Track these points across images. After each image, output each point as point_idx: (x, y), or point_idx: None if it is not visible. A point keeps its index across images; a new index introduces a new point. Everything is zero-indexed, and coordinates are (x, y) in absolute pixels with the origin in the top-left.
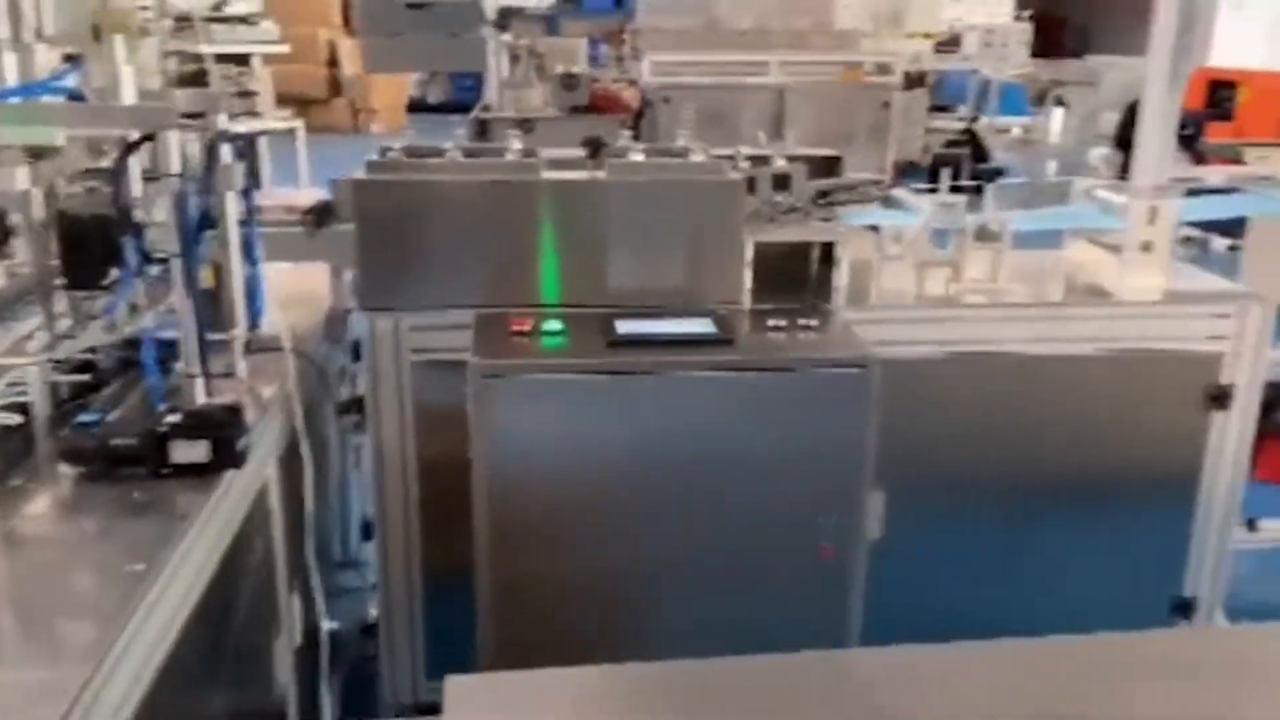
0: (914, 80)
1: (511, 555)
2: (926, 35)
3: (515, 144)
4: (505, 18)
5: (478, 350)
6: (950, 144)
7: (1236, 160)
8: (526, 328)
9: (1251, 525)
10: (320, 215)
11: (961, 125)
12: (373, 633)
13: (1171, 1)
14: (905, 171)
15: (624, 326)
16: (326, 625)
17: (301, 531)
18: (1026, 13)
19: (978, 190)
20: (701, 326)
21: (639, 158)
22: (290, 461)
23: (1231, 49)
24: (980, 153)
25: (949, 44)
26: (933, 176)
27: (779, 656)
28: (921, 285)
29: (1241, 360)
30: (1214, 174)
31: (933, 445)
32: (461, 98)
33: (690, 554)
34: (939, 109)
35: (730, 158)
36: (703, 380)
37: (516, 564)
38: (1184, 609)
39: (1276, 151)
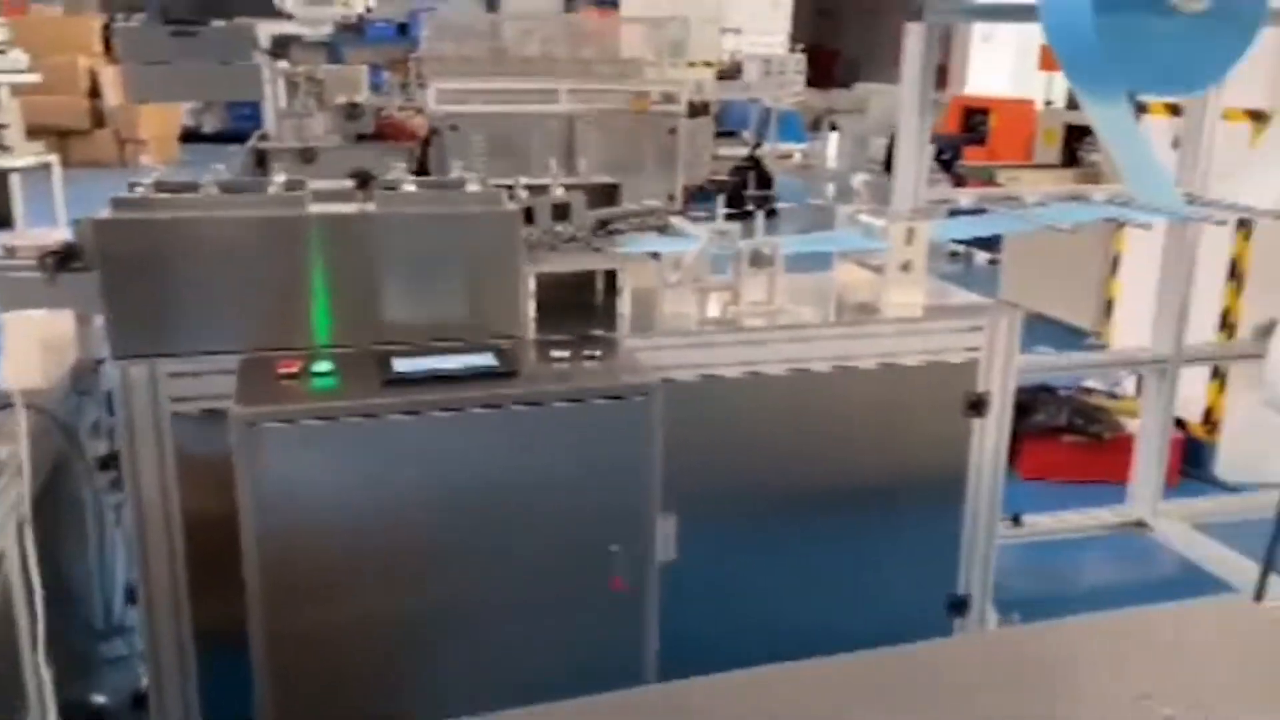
0: (698, 108)
1: (288, 612)
2: (708, 64)
3: (279, 176)
4: (282, 45)
5: (240, 397)
6: (736, 169)
7: (990, 181)
8: (294, 370)
9: (1017, 520)
10: (62, 258)
11: (746, 151)
12: (145, 703)
13: (918, 38)
14: (695, 196)
15: (400, 364)
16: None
17: (53, 601)
18: (800, 44)
19: (768, 213)
20: (482, 360)
21: (411, 189)
22: (35, 527)
23: (985, 78)
24: (764, 177)
25: (730, 73)
26: (726, 200)
27: (575, 702)
28: (703, 309)
29: (994, 368)
30: (965, 195)
31: (720, 465)
32: (239, 126)
33: (480, 597)
34: (724, 135)
35: (508, 188)
36: (485, 416)
37: (294, 621)
38: (959, 606)
39: (1024, 172)
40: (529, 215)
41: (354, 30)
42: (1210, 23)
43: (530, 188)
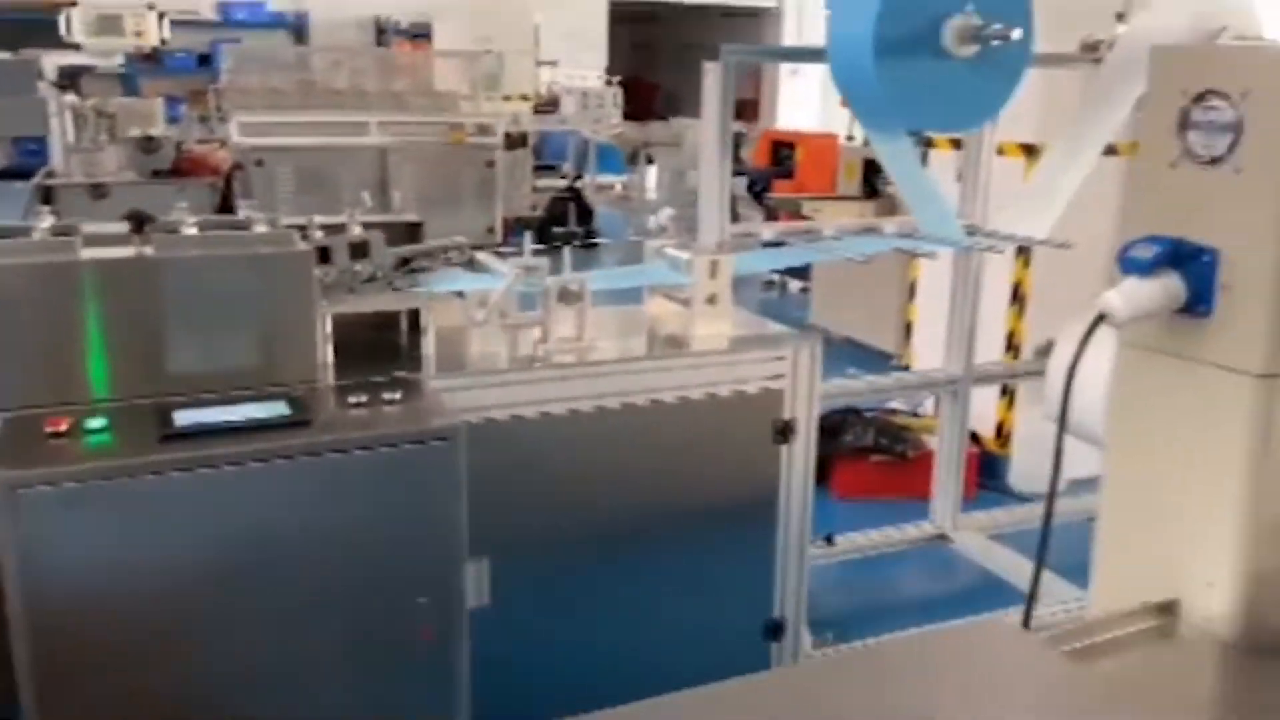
0: (516, 140)
1: (65, 686)
2: (524, 97)
3: (44, 220)
4: (71, 77)
5: (2, 459)
6: (555, 201)
7: (797, 212)
8: (63, 428)
9: (829, 541)
10: None
11: (566, 183)
12: None
13: (716, 77)
14: (516, 228)
15: (184, 417)
16: None
17: None
18: (617, 78)
19: (586, 247)
20: (274, 410)
21: (192, 231)
22: None
23: (794, 112)
24: (584, 209)
25: (548, 106)
26: (541, 235)
27: None
28: (512, 348)
29: (799, 395)
30: (766, 229)
31: (534, 505)
32: (26, 162)
33: (283, 660)
34: (545, 168)
35: (301, 228)
36: (277, 468)
37: (73, 696)
38: (775, 630)
39: (827, 204)
40: (325, 255)
41: (151, 60)
42: (981, 66)
43: (326, 227)
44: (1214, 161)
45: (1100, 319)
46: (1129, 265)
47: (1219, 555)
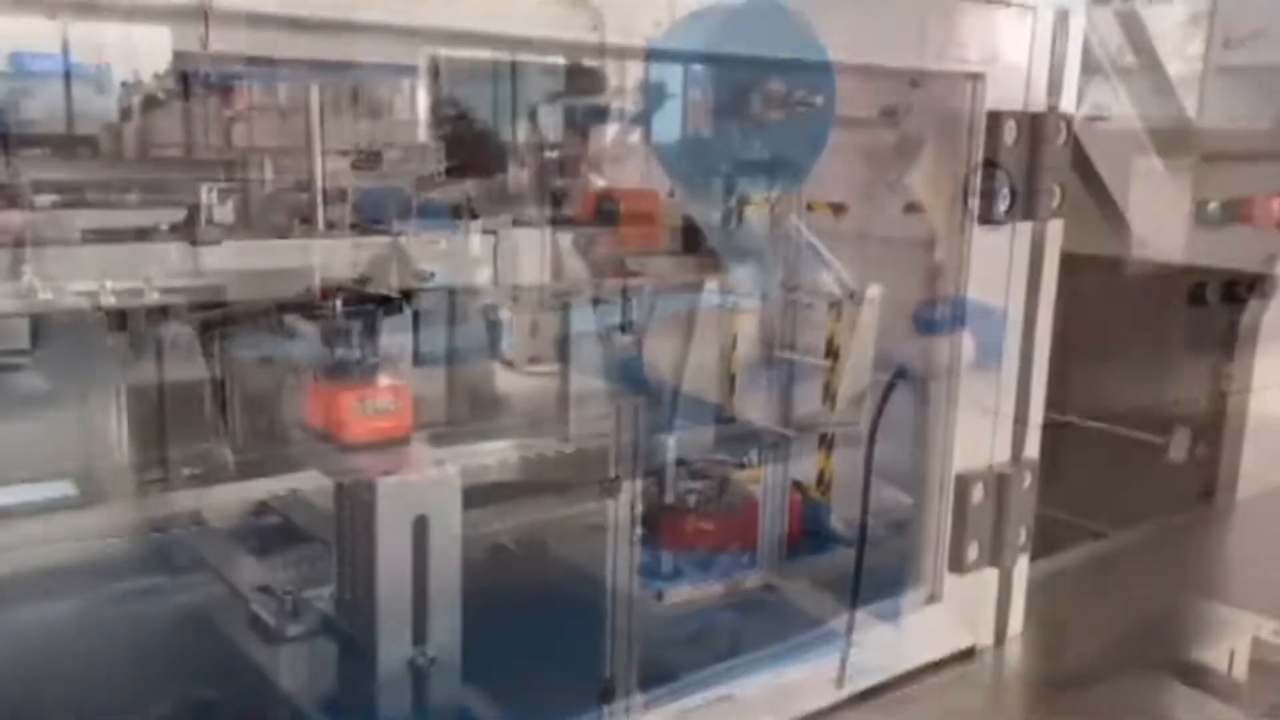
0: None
1: None
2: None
3: None
4: None
5: None
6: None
7: (622, 266)
8: None
9: (660, 597)
10: None
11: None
12: None
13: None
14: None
15: None
16: None
17: None
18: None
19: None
20: None
21: None
22: None
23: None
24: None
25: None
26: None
27: None
28: None
29: (624, 453)
30: (589, 286)
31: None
32: None
33: None
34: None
35: None
36: None
37: None
38: (607, 693)
39: (651, 259)
40: None
41: None
42: (789, 131)
43: None
44: (995, 225)
45: (899, 376)
46: (924, 325)
47: (1014, 598)
